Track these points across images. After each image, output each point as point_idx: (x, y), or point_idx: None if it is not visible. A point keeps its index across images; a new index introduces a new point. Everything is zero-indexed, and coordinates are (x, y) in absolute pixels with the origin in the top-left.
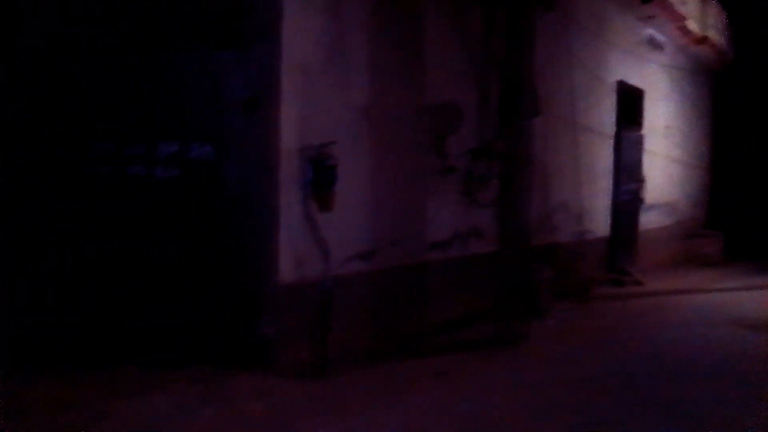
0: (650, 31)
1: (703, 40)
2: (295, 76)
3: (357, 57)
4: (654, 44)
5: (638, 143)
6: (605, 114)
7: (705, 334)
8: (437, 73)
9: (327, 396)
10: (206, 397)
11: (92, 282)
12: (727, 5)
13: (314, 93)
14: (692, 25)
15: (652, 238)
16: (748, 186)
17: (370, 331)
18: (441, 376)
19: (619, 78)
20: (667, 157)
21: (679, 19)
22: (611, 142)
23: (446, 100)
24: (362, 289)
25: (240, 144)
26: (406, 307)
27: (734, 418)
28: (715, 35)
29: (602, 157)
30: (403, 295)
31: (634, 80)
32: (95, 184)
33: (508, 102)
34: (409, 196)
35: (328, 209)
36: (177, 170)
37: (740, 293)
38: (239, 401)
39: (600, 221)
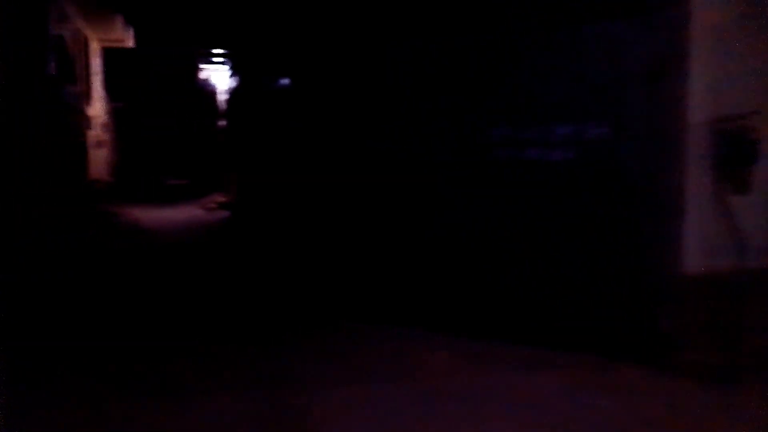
0: None
1: None
2: (705, 40)
3: None
4: None
5: None
6: None
7: None
8: None
9: (740, 406)
10: (598, 385)
11: (486, 260)
12: None
13: (727, 56)
14: None
15: None
16: None
17: None
18: None
19: None
20: None
21: None
22: None
23: None
24: None
25: (638, 120)
26: None
27: None
28: None
29: None
30: None
31: None
32: (495, 168)
33: None
34: None
35: (744, 191)
36: (572, 153)
37: None
38: (636, 396)
39: None
